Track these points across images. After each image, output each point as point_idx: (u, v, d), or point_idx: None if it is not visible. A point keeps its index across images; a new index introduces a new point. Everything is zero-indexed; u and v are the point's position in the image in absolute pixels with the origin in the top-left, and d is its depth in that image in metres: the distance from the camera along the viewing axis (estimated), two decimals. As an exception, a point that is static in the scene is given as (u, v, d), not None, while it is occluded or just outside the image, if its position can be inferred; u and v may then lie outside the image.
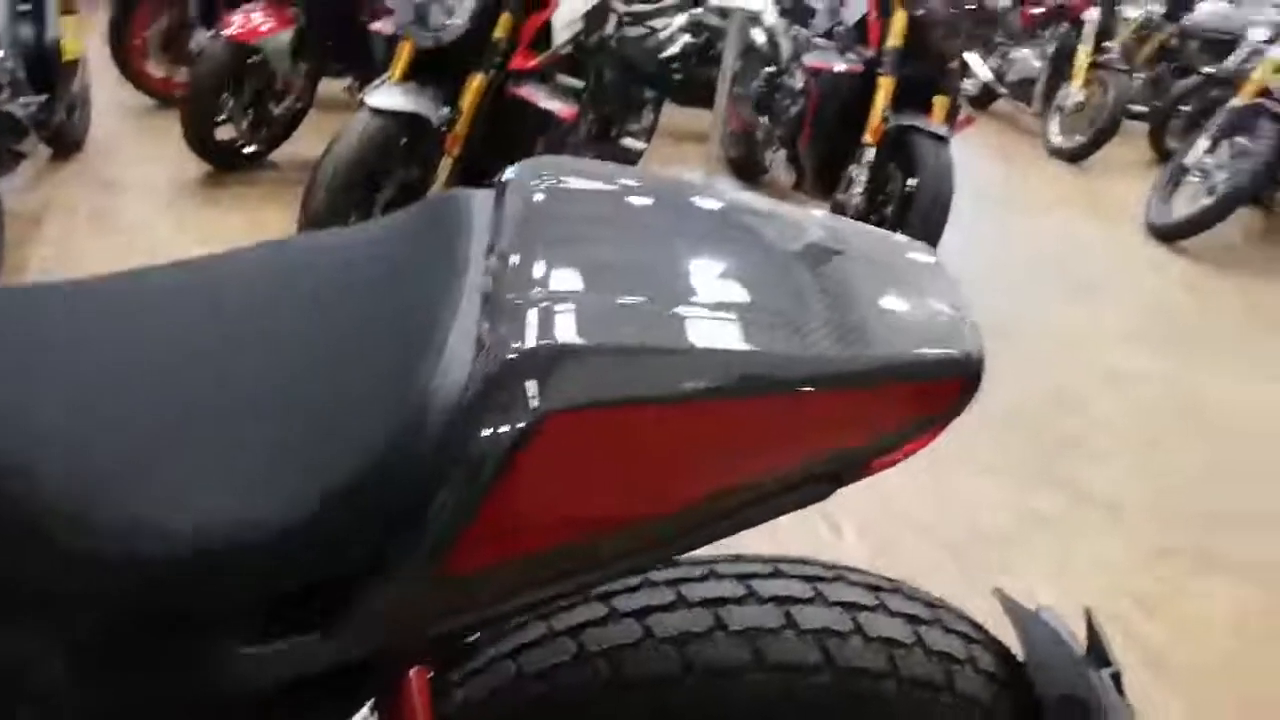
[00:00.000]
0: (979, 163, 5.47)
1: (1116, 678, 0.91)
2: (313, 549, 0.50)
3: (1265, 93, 4.26)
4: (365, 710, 0.78)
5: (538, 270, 0.54)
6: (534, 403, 0.48)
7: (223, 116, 3.54)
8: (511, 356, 0.48)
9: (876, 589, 0.82)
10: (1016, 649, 0.85)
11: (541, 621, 0.80)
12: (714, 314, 0.54)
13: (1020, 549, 2.09)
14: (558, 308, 0.51)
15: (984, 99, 6.64)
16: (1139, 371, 3.06)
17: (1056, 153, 5.68)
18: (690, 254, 0.59)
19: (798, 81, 3.63)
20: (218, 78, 3.43)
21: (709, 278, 0.58)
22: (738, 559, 0.82)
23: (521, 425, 0.48)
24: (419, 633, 0.55)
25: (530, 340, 0.49)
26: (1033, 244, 4.18)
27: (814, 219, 0.69)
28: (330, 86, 3.95)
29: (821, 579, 0.81)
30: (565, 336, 0.49)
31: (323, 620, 0.51)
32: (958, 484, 2.31)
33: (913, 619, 0.80)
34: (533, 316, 0.50)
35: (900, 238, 0.73)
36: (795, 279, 0.59)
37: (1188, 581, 2.09)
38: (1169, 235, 4.30)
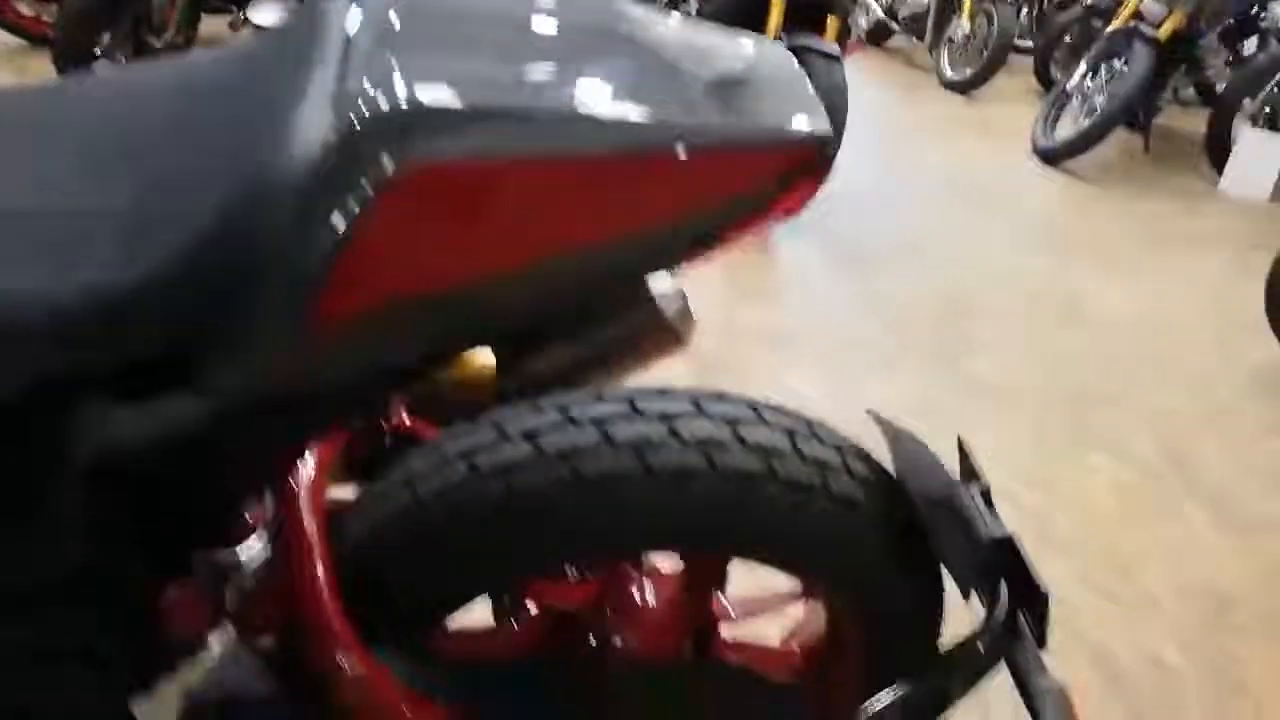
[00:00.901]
0: (877, 95, 5.61)
1: (985, 493, 0.98)
2: (171, 308, 0.50)
3: (1138, 16, 4.44)
4: (260, 545, 0.80)
5: (397, 51, 0.55)
6: (395, 152, 0.49)
7: (98, 53, 3.38)
8: (373, 112, 0.50)
9: (755, 407, 0.86)
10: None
11: (433, 449, 0.83)
12: (570, 82, 0.56)
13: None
14: (417, 75, 0.52)
15: (879, 35, 6.76)
16: (1025, 274, 3.23)
17: (949, 85, 5.83)
18: (549, 38, 0.61)
19: (691, 5, 3.64)
20: (90, 14, 3.26)
21: (566, 54, 0.60)
22: (624, 390, 0.86)
23: (383, 172, 0.49)
24: (302, 391, 0.56)
25: (391, 97, 0.50)
26: (929, 167, 4.31)
27: (677, 17, 0.71)
28: (214, 24, 3.80)
29: (703, 398, 0.85)
30: (426, 96, 0.51)
31: (195, 378, 0.52)
32: (858, 378, 2.41)
33: (789, 431, 0.85)
34: (396, 78, 0.51)
35: (764, 40, 0.75)
36: (649, 57, 0.61)
37: (1069, 457, 2.23)
38: (1053, 157, 4.47)
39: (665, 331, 1.03)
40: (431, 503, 0.79)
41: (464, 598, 0.83)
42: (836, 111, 3.05)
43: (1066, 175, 4.40)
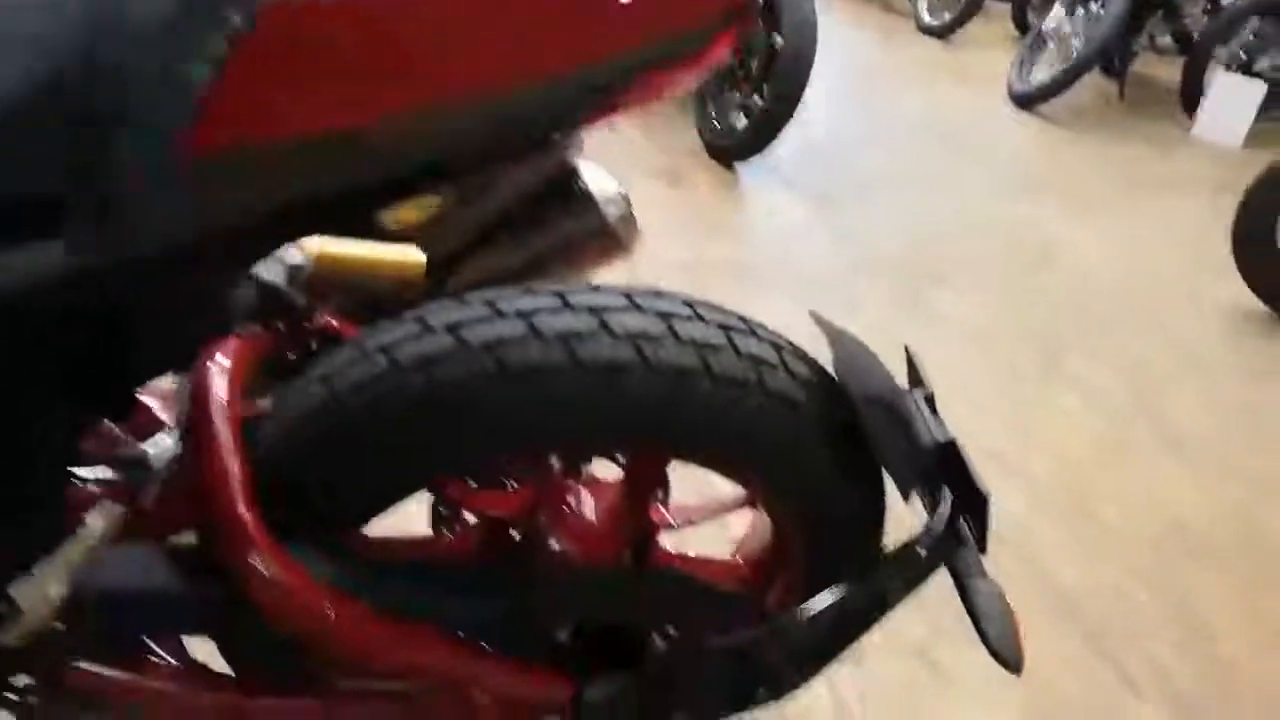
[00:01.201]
0: (853, 38, 5.53)
1: (930, 399, 0.95)
2: (30, 137, 0.47)
3: (1116, -42, 4.38)
4: (170, 442, 0.76)
5: None
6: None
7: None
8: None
9: (691, 303, 0.83)
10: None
11: (351, 344, 0.79)
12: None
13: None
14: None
15: (858, -20, 6.65)
16: (998, 217, 3.21)
17: (926, 30, 5.76)
18: None
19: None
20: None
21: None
22: (554, 286, 0.82)
23: (249, 6, 0.45)
24: (177, 243, 0.52)
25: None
26: (905, 112, 4.27)
27: None
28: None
29: (637, 293, 0.82)
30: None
31: (64, 225, 0.49)
32: (825, 316, 2.39)
33: (725, 327, 0.82)
34: None
35: None
36: None
37: (1037, 397, 2.22)
38: (1028, 101, 4.43)
39: (607, 236, 1.00)
40: (348, 397, 0.76)
41: (387, 497, 0.80)
42: (806, 51, 2.99)
43: (1041, 120, 4.37)
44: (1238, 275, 2.67)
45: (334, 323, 0.91)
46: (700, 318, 0.81)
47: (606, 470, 1.00)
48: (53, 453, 0.58)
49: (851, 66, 4.92)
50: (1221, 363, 2.48)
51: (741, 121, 3.17)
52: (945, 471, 0.88)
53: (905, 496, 0.88)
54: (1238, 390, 2.35)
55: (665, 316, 0.80)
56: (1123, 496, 1.90)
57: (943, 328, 2.46)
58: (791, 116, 3.03)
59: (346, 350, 0.79)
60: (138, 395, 0.88)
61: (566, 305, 0.78)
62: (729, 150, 3.24)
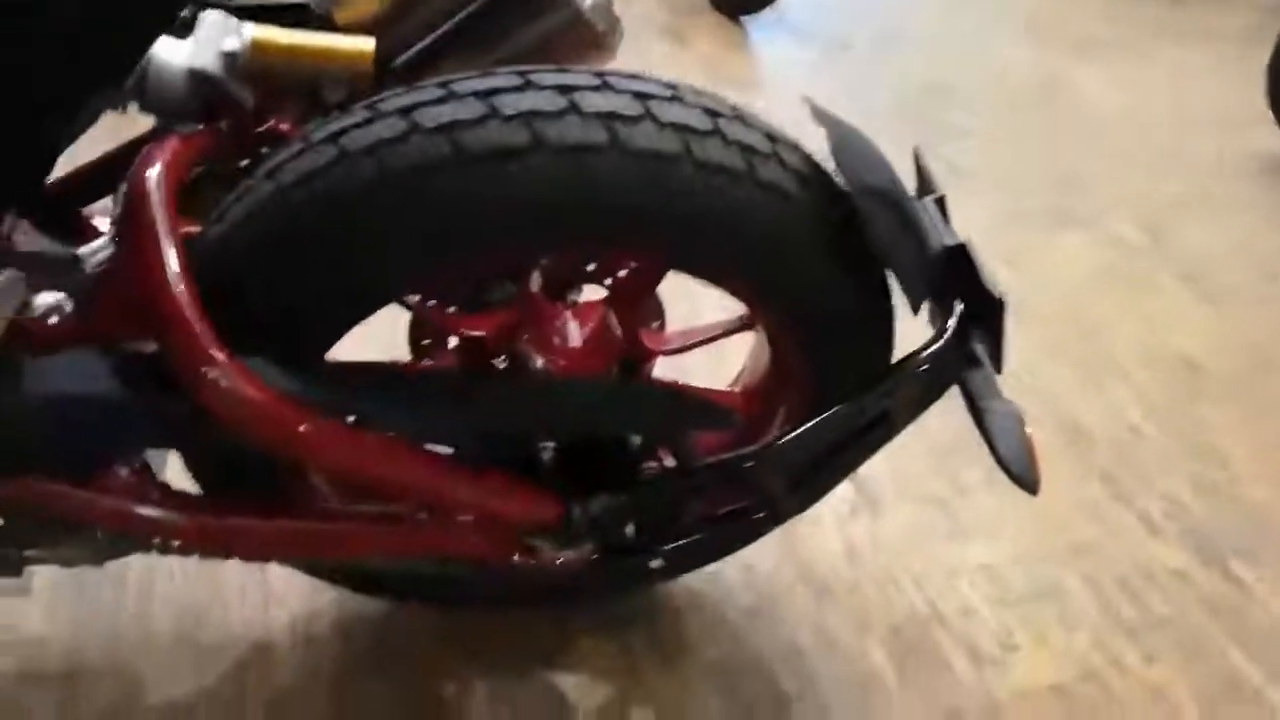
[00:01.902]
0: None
1: (941, 202, 0.88)
2: None
3: None
4: (104, 242, 0.70)
5: None
6: None
7: None
8: None
9: (674, 86, 0.75)
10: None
11: (298, 139, 0.72)
12: None
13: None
14: None
15: None
16: (1008, 64, 3.06)
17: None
18: None
19: None
20: None
21: None
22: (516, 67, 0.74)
23: None
24: None
25: None
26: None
27: None
28: None
29: (612, 75, 0.73)
30: None
31: None
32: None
33: (712, 113, 0.74)
34: None
35: None
36: None
37: (1045, 236, 2.14)
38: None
39: (583, 29, 0.90)
40: (294, 190, 0.69)
41: (345, 309, 0.74)
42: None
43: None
44: (1265, 124, 2.54)
45: (284, 127, 0.84)
46: (681, 100, 0.73)
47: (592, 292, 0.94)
48: None
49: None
50: (1240, 199, 2.37)
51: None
52: (956, 280, 0.81)
53: (914, 305, 0.82)
54: (1253, 223, 2.26)
55: (642, 97, 0.72)
56: (1131, 329, 1.83)
57: (949, 169, 2.36)
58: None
59: (294, 144, 0.71)
60: (81, 213, 0.81)
61: (529, 84, 0.70)
62: (736, 3, 3.09)
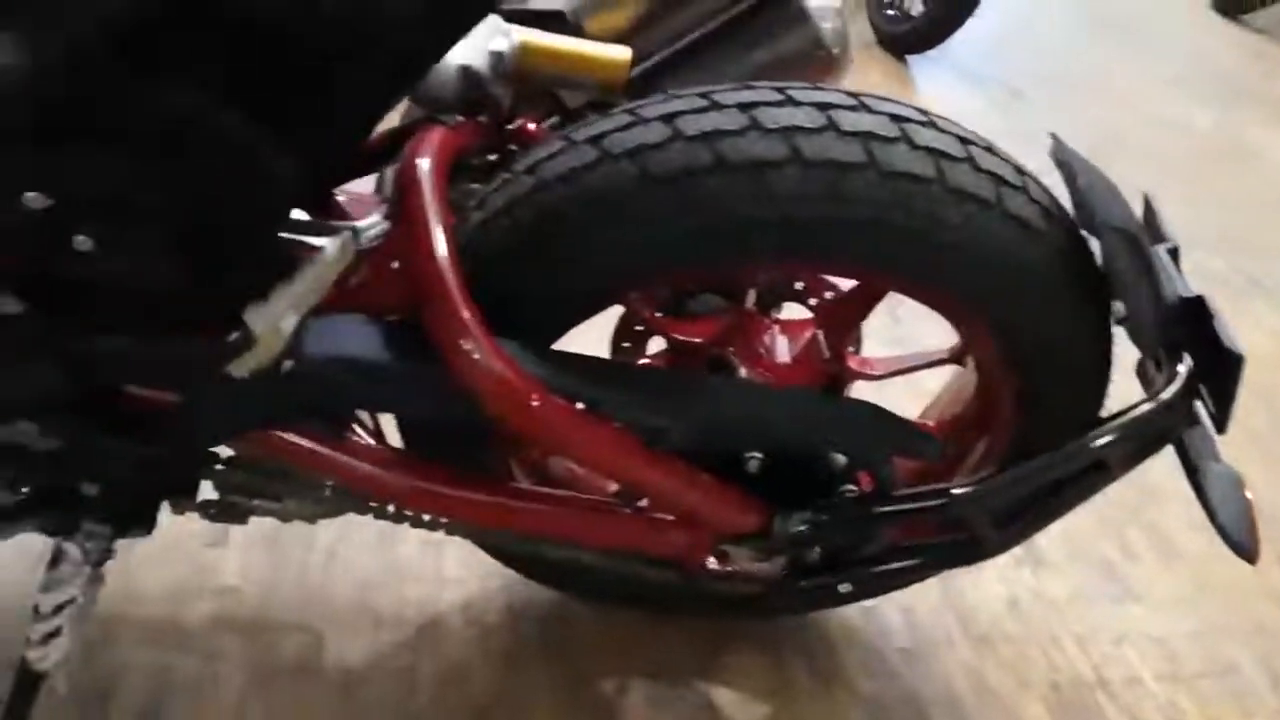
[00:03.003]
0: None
1: (1174, 253, 0.85)
2: None
3: None
4: (379, 218, 0.74)
5: None
6: None
7: None
8: None
9: (927, 113, 0.75)
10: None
11: (558, 136, 0.75)
12: None
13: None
14: None
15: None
16: (1193, 118, 2.93)
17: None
18: None
19: None
20: None
21: None
22: (775, 82, 0.76)
23: None
24: None
25: None
26: (1096, 6, 3.90)
27: None
28: None
29: (867, 97, 0.75)
30: None
31: None
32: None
33: (963, 140, 0.74)
34: None
35: None
36: None
37: (1229, 304, 2.03)
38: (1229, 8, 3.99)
39: (820, 53, 0.92)
40: (556, 185, 0.72)
41: (587, 300, 0.77)
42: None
43: (1242, 28, 3.95)
44: None
45: (531, 127, 0.88)
46: (935, 126, 0.73)
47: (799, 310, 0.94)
48: (279, 183, 0.56)
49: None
50: None
51: (919, 9, 2.97)
52: (1188, 333, 0.79)
53: (1148, 352, 0.79)
54: None
55: (898, 120, 0.72)
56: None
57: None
58: (978, 5, 2.83)
59: (553, 142, 0.75)
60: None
61: (789, 100, 0.72)
62: (903, 41, 3.05)
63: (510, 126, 0.86)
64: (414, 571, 1.15)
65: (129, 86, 0.53)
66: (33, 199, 0.57)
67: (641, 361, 0.95)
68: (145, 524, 0.75)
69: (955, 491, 0.78)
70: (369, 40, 0.54)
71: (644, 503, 0.87)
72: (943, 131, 0.73)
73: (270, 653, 1.05)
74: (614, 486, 0.96)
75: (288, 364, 0.63)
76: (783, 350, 0.88)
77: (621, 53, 0.83)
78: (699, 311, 0.91)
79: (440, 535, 0.90)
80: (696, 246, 0.72)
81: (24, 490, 0.76)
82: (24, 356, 0.62)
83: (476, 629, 1.10)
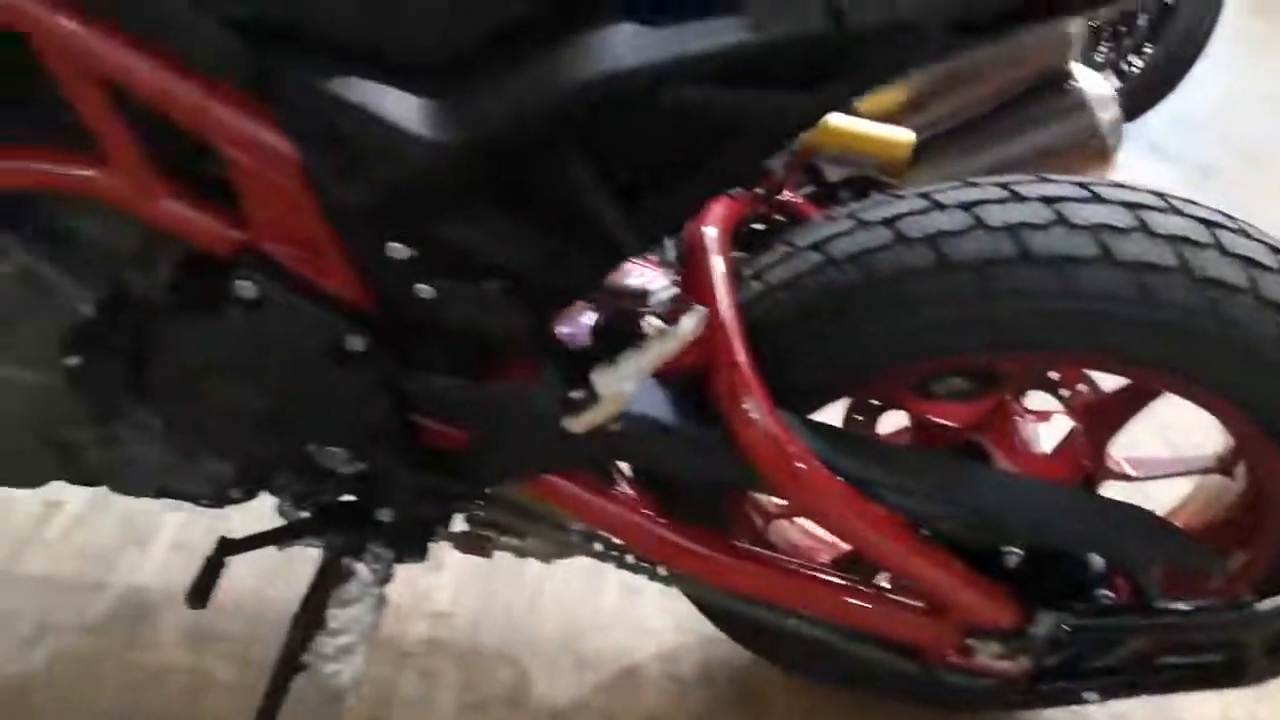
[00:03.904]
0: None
1: None
2: None
3: None
4: (666, 282, 0.77)
5: None
6: None
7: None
8: None
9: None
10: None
11: (846, 215, 0.77)
12: None
13: None
14: None
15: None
16: None
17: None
18: None
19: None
20: None
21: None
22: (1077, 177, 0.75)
23: None
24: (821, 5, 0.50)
25: None
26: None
27: None
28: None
29: (1172, 196, 0.73)
30: None
31: None
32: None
33: (1209, 224, 0.71)
34: None
35: None
36: None
37: None
38: None
39: (1094, 142, 0.91)
40: (846, 264, 0.73)
41: (856, 376, 0.77)
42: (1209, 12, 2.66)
43: None
44: None
45: (798, 200, 0.90)
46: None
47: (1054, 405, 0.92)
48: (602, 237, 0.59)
49: (1240, 29, 4.34)
50: None
51: (1114, 83, 2.89)
52: None
53: None
54: None
55: (1208, 225, 0.71)
56: None
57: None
58: (1179, 82, 2.72)
59: (841, 220, 0.76)
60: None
61: (1097, 197, 0.71)
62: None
63: (774, 202, 0.88)
64: (616, 617, 1.17)
65: (542, 160, 0.57)
66: (397, 250, 0.62)
67: (884, 434, 0.95)
68: (420, 551, 0.80)
69: (1236, 613, 0.74)
70: (762, 120, 0.57)
71: (883, 582, 0.86)
72: (1254, 239, 0.71)
73: (481, 681, 1.08)
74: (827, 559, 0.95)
75: (615, 425, 0.66)
76: (1040, 442, 0.86)
77: (906, 135, 0.84)
78: (943, 393, 0.90)
79: (640, 582, 0.91)
80: (986, 335, 0.72)
81: (310, 506, 0.81)
82: (360, 390, 0.67)
83: (674, 683, 1.11)
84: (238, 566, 0.89)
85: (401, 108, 0.55)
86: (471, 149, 0.55)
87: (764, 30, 0.51)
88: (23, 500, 1.21)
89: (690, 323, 0.63)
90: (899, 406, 0.90)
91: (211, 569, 0.80)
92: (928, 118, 0.91)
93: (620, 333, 0.63)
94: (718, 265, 0.74)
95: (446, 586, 1.18)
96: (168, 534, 1.20)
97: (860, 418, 0.97)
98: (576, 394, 0.63)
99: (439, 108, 0.56)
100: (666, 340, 0.62)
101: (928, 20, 0.52)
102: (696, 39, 0.52)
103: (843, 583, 0.81)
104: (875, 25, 0.51)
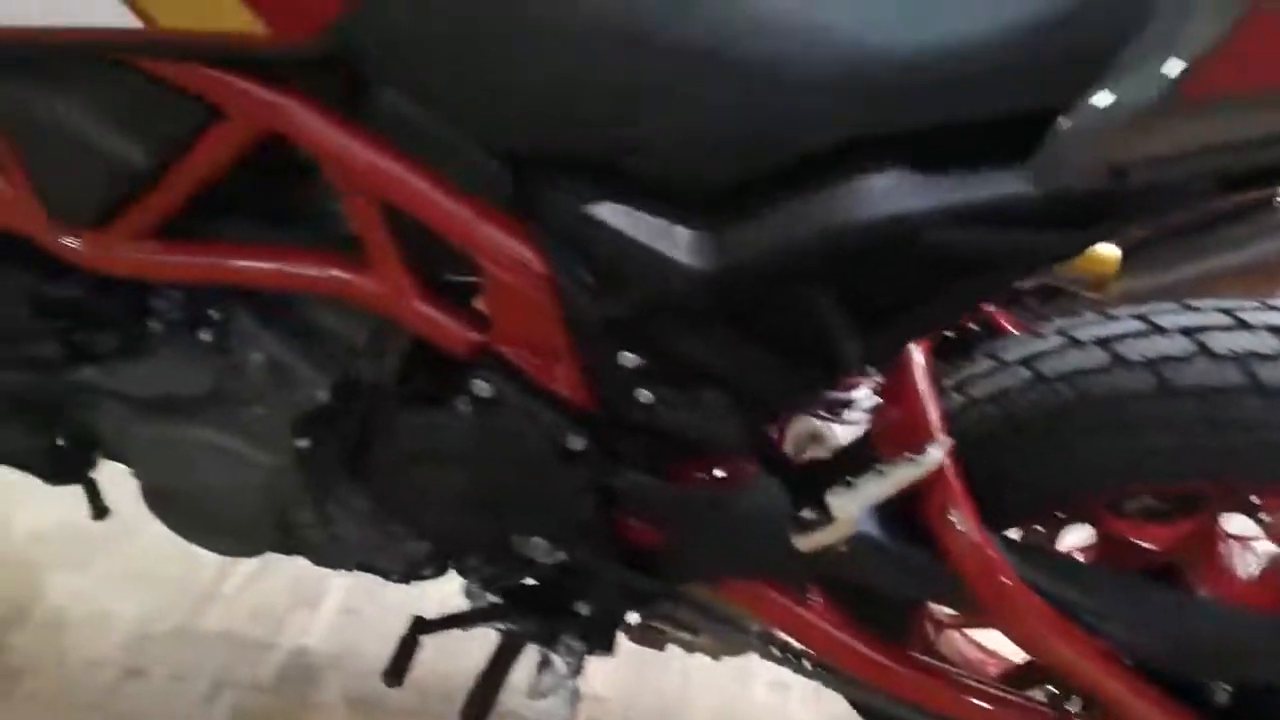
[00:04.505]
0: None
1: None
2: (1029, 73, 0.49)
3: None
4: (869, 390, 0.78)
5: None
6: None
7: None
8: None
9: None
10: None
11: (1055, 333, 0.76)
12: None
13: None
14: None
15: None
16: None
17: None
18: None
19: None
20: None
21: None
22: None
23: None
24: (1106, 167, 0.51)
25: None
26: None
27: None
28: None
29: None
30: None
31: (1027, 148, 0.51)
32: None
33: None
34: None
35: None
36: None
37: None
38: None
39: (1305, 261, 0.89)
40: (1056, 382, 0.73)
41: (1055, 496, 0.76)
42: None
43: None
44: None
45: (989, 308, 0.90)
46: None
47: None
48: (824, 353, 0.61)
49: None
50: None
51: None
52: None
53: None
54: None
55: None
56: None
57: None
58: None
59: (1050, 337, 0.76)
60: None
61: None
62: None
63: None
64: (764, 711, 1.16)
65: (791, 287, 0.59)
66: (628, 359, 0.65)
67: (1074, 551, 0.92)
68: (609, 644, 0.81)
69: None
70: (1023, 255, 0.58)
71: (1074, 709, 0.83)
72: None
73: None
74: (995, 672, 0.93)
75: (844, 546, 0.67)
76: (1243, 568, 0.82)
77: (1113, 252, 0.84)
78: (1136, 511, 0.88)
79: (788, 676, 0.91)
80: (1204, 463, 0.70)
81: (498, 590, 0.84)
82: (575, 487, 0.69)
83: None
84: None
85: (664, 234, 0.58)
86: (731, 276, 0.58)
87: (1045, 185, 0.52)
88: (203, 556, 1.28)
89: (937, 454, 0.64)
90: (1091, 523, 0.88)
91: (406, 648, 0.83)
92: (1133, 230, 0.91)
93: (857, 456, 0.64)
94: (924, 377, 0.75)
95: (599, 670, 1.19)
96: (336, 597, 1.24)
97: (1042, 529, 0.95)
98: (809, 514, 0.64)
99: (702, 237, 0.58)
100: (911, 469, 0.63)
101: (1205, 181, 0.53)
102: (972, 189, 0.53)
103: (1020, 701, 0.79)
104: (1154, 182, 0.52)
